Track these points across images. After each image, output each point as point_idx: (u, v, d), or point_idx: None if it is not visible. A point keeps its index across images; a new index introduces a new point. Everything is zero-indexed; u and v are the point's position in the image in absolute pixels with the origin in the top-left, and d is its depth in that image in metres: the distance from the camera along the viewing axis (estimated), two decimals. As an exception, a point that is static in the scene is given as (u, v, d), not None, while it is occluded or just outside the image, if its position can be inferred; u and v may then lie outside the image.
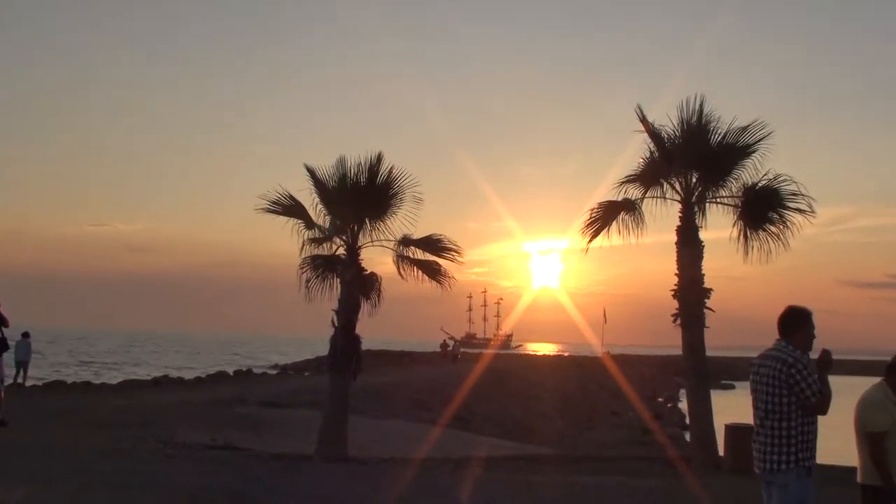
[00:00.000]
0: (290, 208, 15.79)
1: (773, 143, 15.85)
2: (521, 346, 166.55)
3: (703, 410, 15.88)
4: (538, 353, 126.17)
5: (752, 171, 15.91)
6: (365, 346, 16.18)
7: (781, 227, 15.63)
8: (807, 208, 15.40)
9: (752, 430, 6.15)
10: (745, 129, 15.86)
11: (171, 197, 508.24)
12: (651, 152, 16.55)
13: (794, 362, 5.86)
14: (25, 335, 30.03)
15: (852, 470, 6.60)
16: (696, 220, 16.11)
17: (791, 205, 15.51)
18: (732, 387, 64.44)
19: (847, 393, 9.07)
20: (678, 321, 16.07)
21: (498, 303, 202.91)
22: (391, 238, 15.85)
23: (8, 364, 21.34)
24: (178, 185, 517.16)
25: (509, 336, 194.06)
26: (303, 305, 15.47)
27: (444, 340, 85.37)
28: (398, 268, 16.04)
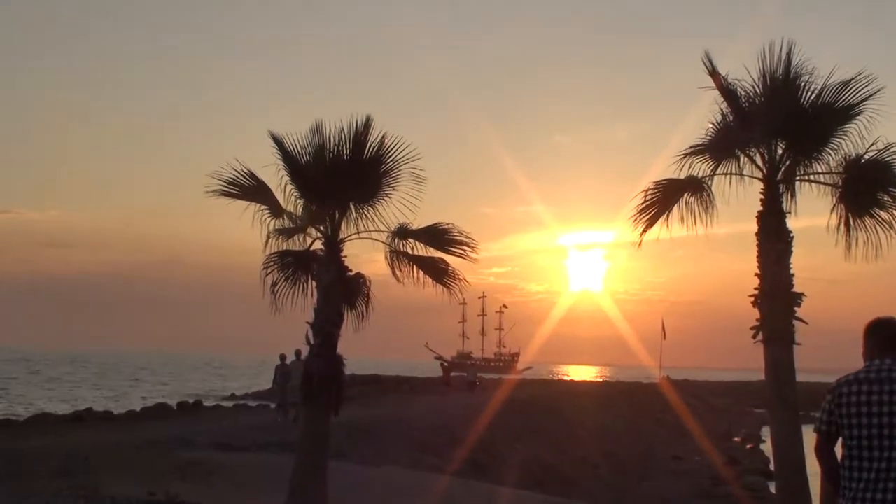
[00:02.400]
0: (250, 190, 15.82)
1: (883, 102, 15.80)
2: (530, 368, 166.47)
3: (792, 453, 15.91)
4: (575, 379, 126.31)
5: (856, 140, 15.92)
6: (350, 369, 16.26)
7: (895, 212, 15.66)
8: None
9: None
10: (846, 84, 15.83)
11: (95, 178, 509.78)
12: (723, 115, 16.59)
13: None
14: None
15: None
16: (783, 204, 16.16)
17: (908, 184, 15.57)
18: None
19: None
20: (759, 336, 16.11)
21: (500, 311, 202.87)
22: (383, 229, 15.90)
23: None
24: (103, 163, 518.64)
25: (516, 356, 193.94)
26: (267, 317, 15.48)
27: (443, 363, 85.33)
28: (392, 267, 16.11)
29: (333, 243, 15.83)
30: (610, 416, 47.92)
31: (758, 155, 16.38)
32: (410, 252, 16.12)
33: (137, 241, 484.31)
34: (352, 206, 15.84)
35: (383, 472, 23.43)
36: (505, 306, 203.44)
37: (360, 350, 17.71)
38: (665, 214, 16.58)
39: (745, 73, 16.22)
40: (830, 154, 16.13)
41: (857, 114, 15.87)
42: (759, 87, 16.15)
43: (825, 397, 6.37)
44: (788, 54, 15.90)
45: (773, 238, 16.08)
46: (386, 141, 15.46)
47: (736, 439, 51.72)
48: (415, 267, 16.13)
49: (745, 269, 16.43)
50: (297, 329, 15.92)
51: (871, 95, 15.74)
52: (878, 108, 15.74)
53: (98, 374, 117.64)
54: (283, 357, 32.97)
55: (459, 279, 16.26)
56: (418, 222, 15.99)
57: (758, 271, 16.16)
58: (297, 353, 31.45)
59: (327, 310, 15.63)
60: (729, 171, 16.58)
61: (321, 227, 15.93)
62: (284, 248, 15.88)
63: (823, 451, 6.37)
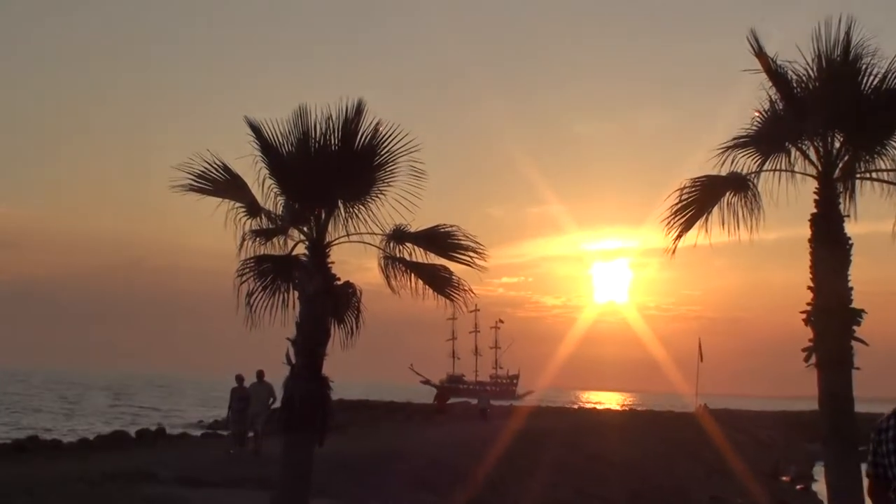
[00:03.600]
0: (223, 185, 15.86)
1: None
2: (531, 393, 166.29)
3: (849, 495, 15.83)
4: (598, 407, 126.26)
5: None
6: (337, 393, 16.24)
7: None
8: None
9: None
10: (916, 67, 15.82)
11: (45, 168, 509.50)
12: (772, 102, 16.55)
13: None
14: None
15: None
16: (841, 206, 16.14)
17: None
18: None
19: None
20: (812, 359, 16.04)
21: (496, 327, 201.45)
22: (377, 231, 15.95)
23: None
24: (55, 151, 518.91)
25: (514, 378, 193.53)
26: (241, 333, 15.52)
27: (437, 387, 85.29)
28: (386, 275, 16.16)
29: (319, 247, 15.83)
30: (638, 451, 47.78)
31: (811, 149, 16.35)
32: (408, 258, 16.15)
33: (91, 242, 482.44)
34: (340, 204, 15.86)
35: (375, 514, 23.38)
36: (501, 321, 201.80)
37: (345, 371, 17.63)
38: (703, 217, 16.58)
39: (796, 53, 16.20)
40: (896, 148, 16.11)
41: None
42: (813, 70, 16.11)
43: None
44: (847, 33, 15.87)
45: (829, 245, 16.02)
46: (380, 129, 15.51)
47: (784, 478, 51.56)
48: (413, 275, 16.17)
49: (796, 280, 16.38)
50: (275, 345, 15.93)
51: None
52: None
53: (40, 396, 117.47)
54: (240, 378, 32.52)
55: (464, 290, 16.29)
56: (417, 224, 16.02)
57: (811, 283, 16.09)
58: (260, 374, 31.62)
59: (311, 324, 15.65)
60: (778, 167, 16.56)
61: (305, 229, 15.94)
62: (262, 252, 15.90)
63: (877, 497, 6.22)
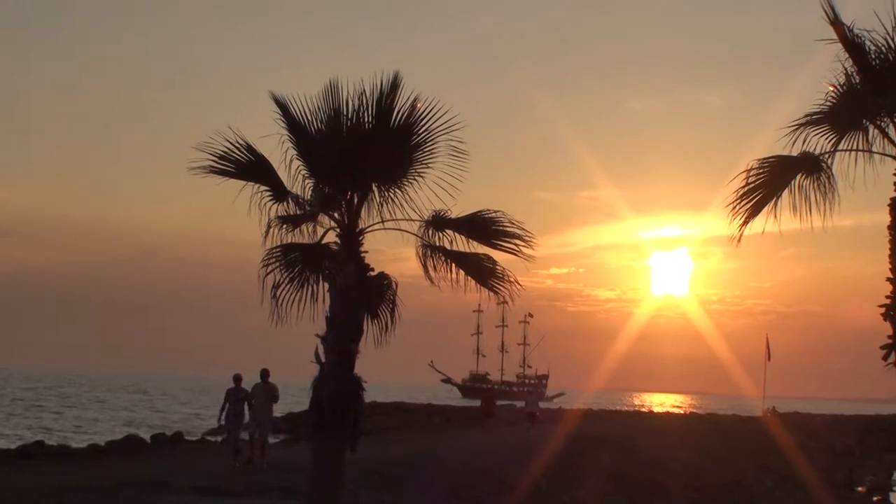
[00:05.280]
0: (247, 167, 15.93)
1: None
2: (562, 395, 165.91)
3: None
4: (655, 410, 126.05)
5: None
6: (371, 395, 16.29)
7: None
8: None
9: None
10: None
11: (48, 151, 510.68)
12: (848, 76, 16.47)
13: None
14: None
15: None
16: (925, 189, 16.02)
17: None
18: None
19: None
20: (891, 358, 16.01)
21: (525, 321, 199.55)
22: (414, 217, 16.07)
23: None
24: (57, 132, 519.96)
25: (544, 378, 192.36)
26: (266, 329, 15.59)
27: (486, 388, 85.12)
28: (425, 265, 16.28)
29: (351, 235, 15.93)
30: (698, 458, 47.68)
31: (891, 127, 16.27)
32: (448, 246, 16.24)
33: (99, 231, 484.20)
34: (374, 188, 15.97)
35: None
36: (530, 315, 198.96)
37: (379, 371, 17.74)
38: (772, 201, 16.53)
39: (875, 21, 16.11)
40: None
41: None
42: (893, 40, 16.00)
43: None
44: (932, -2, 15.83)
45: (911, 232, 15.96)
46: (418, 106, 15.54)
47: (860, 489, 51.33)
48: (453, 265, 16.25)
49: (874, 271, 16.32)
50: (304, 342, 16.03)
51: None
52: None
53: (45, 398, 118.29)
54: (237, 378, 31.54)
55: (510, 281, 16.38)
56: (458, 210, 16.10)
57: (890, 275, 16.05)
58: (265, 373, 30.58)
59: (343, 319, 15.71)
60: (855, 147, 16.51)
61: (336, 215, 16.04)
62: (289, 240, 16.03)
63: None
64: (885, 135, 16.33)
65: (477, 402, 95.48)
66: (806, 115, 16.75)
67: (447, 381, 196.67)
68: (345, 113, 15.54)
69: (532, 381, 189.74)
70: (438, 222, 16.10)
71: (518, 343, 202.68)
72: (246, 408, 30.18)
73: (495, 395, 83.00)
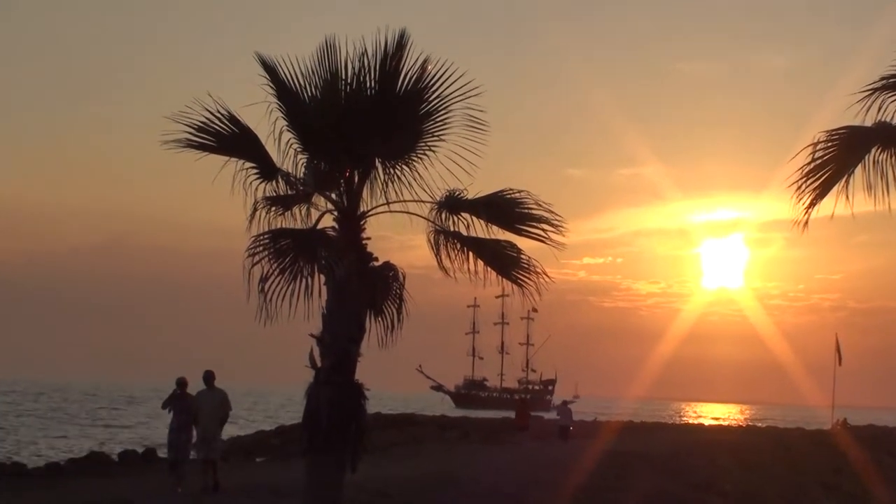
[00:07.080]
0: (229, 140, 15.84)
1: None
2: (574, 401, 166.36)
3: None
4: (706, 422, 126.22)
5: None
6: (374, 405, 16.26)
7: None
8: None
9: None
10: None
11: (11, 131, 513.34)
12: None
13: None
14: None
15: None
16: None
17: None
18: None
19: None
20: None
21: (528, 318, 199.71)
22: (425, 198, 15.94)
23: None
24: (19, 106, 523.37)
25: (550, 384, 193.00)
26: (254, 328, 15.33)
27: (519, 398, 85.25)
28: (437, 253, 16.14)
29: (351, 219, 15.86)
30: (756, 478, 47.44)
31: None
32: (465, 232, 16.04)
33: (67, 217, 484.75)
34: (378, 164, 15.86)
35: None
36: (534, 310, 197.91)
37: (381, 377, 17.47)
38: (843, 180, 16.16)
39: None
40: None
41: None
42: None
43: None
44: None
45: None
46: (429, 69, 15.45)
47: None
48: (470, 254, 16.09)
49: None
50: (296, 343, 15.90)
51: None
52: None
53: (13, 412, 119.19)
54: (182, 383, 29.47)
55: (537, 272, 16.15)
56: (476, 189, 15.94)
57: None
58: (209, 377, 27.99)
59: (342, 316, 15.57)
60: (936, 118, 16.14)
61: (333, 196, 15.98)
62: (279, 225, 15.88)
63: None
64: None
65: (472, 413, 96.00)
66: (882, 79, 16.34)
67: (438, 388, 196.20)
68: (343, 77, 15.50)
69: (536, 387, 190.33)
70: (453, 204, 15.96)
71: (520, 343, 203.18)
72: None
73: (530, 406, 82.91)
